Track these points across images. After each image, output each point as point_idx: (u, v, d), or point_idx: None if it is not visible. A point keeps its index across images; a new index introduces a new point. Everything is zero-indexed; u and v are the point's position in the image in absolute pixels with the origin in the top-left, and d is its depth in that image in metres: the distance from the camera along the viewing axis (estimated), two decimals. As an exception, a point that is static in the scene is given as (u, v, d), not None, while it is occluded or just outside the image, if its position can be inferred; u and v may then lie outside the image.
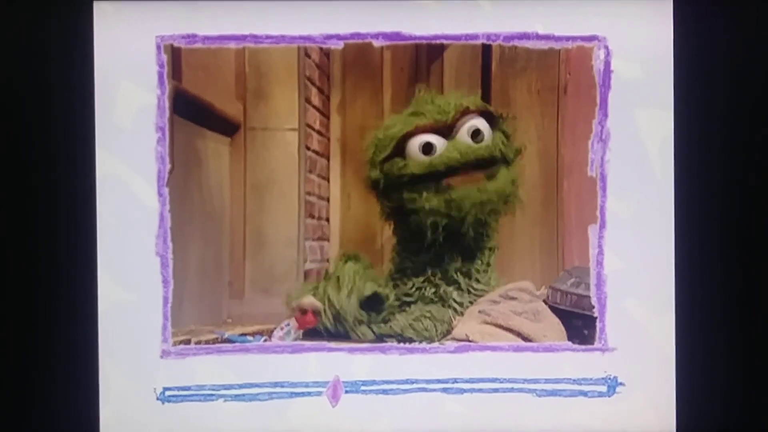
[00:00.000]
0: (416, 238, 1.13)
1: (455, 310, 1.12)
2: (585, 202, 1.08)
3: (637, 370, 1.07)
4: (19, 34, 1.04)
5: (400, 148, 1.11)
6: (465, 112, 1.11)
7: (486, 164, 1.12)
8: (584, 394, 1.07)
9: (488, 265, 1.14)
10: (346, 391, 1.06)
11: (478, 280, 1.14)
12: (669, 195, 1.06)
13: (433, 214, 1.11)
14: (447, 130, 1.11)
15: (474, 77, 1.10)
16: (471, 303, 1.12)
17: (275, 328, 1.09)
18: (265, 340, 1.08)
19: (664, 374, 1.06)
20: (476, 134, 1.11)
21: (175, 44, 1.06)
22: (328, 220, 1.13)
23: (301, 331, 1.10)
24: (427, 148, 1.11)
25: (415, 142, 1.11)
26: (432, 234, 1.11)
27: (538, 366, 1.07)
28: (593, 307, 1.07)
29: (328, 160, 1.12)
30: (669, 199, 1.06)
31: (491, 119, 1.12)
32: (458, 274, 1.14)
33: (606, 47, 1.06)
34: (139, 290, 1.06)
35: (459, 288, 1.13)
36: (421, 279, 1.14)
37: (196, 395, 1.07)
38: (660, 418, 1.06)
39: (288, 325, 1.09)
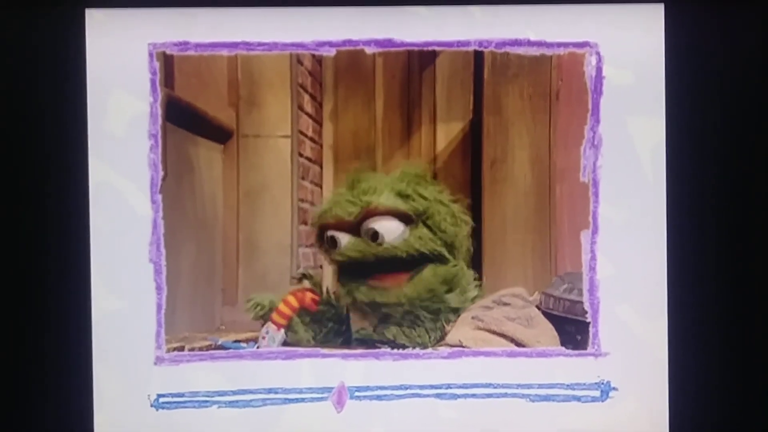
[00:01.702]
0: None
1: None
2: (577, 207, 1.08)
3: (630, 375, 1.07)
4: (11, 42, 1.04)
5: (322, 237, 1.11)
6: (369, 213, 1.09)
7: (398, 263, 1.10)
8: (577, 399, 1.07)
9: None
10: (340, 398, 1.07)
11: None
12: (661, 200, 1.06)
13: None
14: (352, 228, 1.10)
15: (466, 84, 1.10)
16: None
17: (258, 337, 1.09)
18: (258, 347, 1.09)
19: (657, 379, 1.06)
20: (374, 237, 1.09)
21: (168, 51, 1.06)
22: (320, 226, 1.13)
23: (282, 332, 1.09)
24: (331, 242, 1.10)
25: (327, 235, 1.11)
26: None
27: (531, 371, 1.07)
28: (586, 312, 1.07)
29: (321, 166, 1.12)
30: (661, 205, 1.06)
31: (406, 218, 1.09)
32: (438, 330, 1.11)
33: (598, 53, 1.06)
34: (132, 297, 1.06)
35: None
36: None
37: (190, 402, 1.07)
38: (653, 423, 1.07)
39: (268, 332, 1.09)
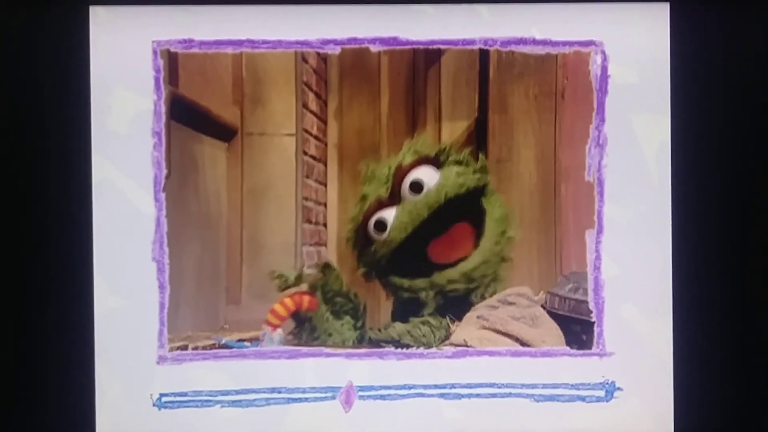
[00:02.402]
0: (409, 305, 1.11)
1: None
2: (582, 207, 1.08)
3: (635, 375, 1.07)
4: (15, 38, 1.04)
5: (363, 233, 1.11)
6: (401, 173, 1.09)
7: (451, 207, 1.10)
8: (582, 399, 1.07)
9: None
10: (343, 397, 1.07)
11: None
12: (666, 200, 1.06)
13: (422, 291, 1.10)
14: (394, 199, 1.10)
15: (471, 82, 1.10)
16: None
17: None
18: (262, 346, 1.08)
19: (662, 379, 1.06)
20: (415, 188, 1.09)
21: (172, 49, 1.06)
22: (325, 225, 1.13)
23: (280, 332, 1.09)
24: (379, 226, 1.10)
25: (371, 224, 1.10)
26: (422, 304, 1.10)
27: (536, 371, 1.07)
28: (591, 312, 1.07)
29: (326, 165, 1.12)
30: (666, 204, 1.06)
31: (435, 161, 1.10)
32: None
33: (603, 52, 1.06)
34: (135, 296, 1.06)
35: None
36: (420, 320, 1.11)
37: (193, 401, 1.06)
38: (658, 423, 1.06)
39: (265, 333, 1.09)
